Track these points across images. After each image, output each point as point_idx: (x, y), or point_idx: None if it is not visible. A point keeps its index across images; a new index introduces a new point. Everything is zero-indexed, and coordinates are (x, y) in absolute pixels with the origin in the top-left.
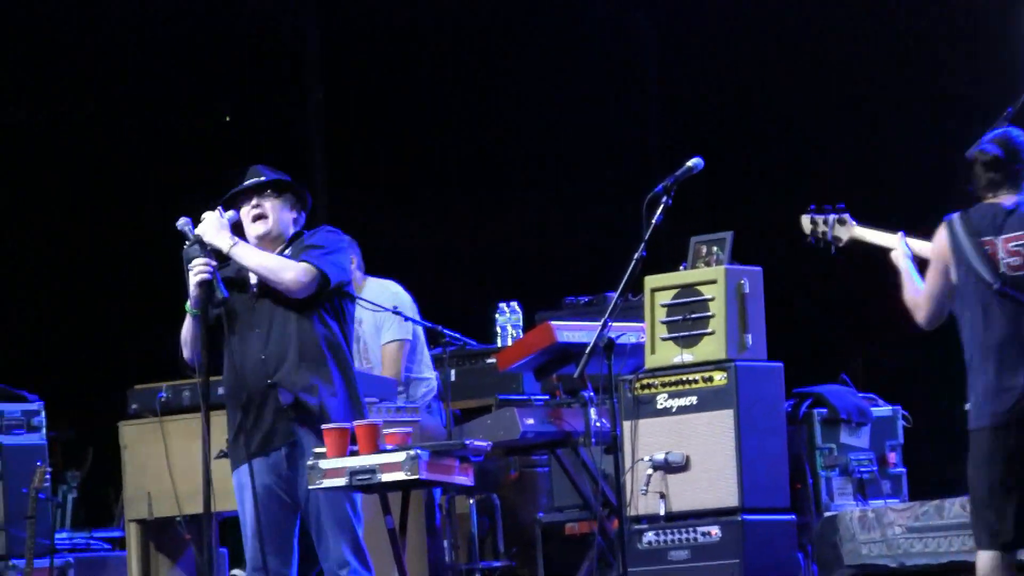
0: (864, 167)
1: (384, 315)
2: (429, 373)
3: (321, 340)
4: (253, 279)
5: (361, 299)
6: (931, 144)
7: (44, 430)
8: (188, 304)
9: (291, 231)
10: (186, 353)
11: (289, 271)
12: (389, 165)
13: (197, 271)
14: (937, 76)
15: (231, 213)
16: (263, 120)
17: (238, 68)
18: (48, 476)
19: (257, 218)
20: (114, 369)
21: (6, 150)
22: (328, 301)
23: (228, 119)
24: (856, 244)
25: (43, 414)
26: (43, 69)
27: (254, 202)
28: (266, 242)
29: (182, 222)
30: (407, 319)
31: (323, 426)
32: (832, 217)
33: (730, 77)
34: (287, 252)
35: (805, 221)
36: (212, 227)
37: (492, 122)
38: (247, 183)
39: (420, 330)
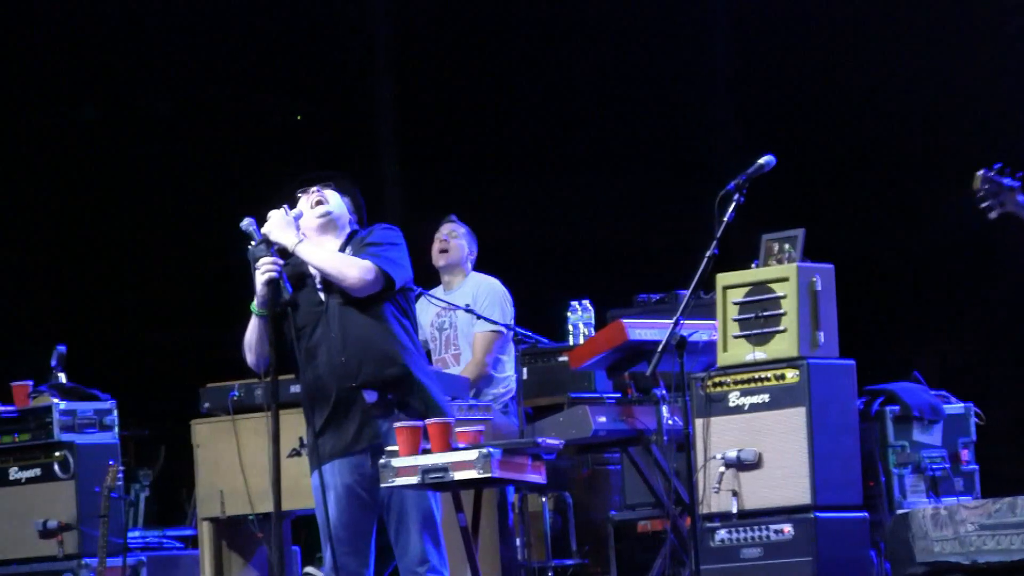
0: (940, 162)
1: (484, 303)
2: (510, 372)
3: (399, 337)
4: (314, 274)
5: (430, 295)
6: (996, 146)
7: (117, 429)
8: (254, 304)
9: (347, 229)
10: (250, 359)
11: (353, 269)
12: (460, 162)
13: (264, 270)
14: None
15: (297, 210)
16: (334, 119)
17: (308, 67)
18: (121, 475)
19: (318, 203)
20: (186, 367)
21: (77, 148)
22: (396, 298)
23: (299, 118)
24: (1012, 218)
25: (115, 413)
26: (114, 67)
27: (313, 190)
28: (327, 226)
29: (246, 223)
30: (480, 317)
31: (395, 424)
32: (1006, 183)
33: (803, 72)
34: (347, 251)
35: (978, 178)
36: (278, 224)
37: (564, 118)
38: (308, 175)
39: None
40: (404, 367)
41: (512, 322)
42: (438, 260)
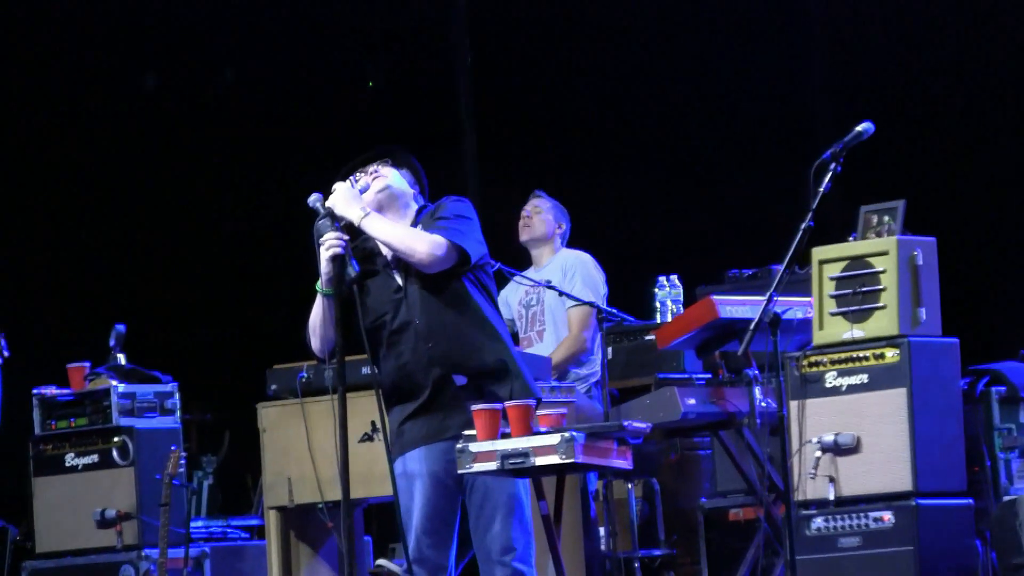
0: None
1: (573, 278)
2: (595, 355)
3: (484, 317)
4: (385, 254)
5: (518, 275)
6: None
7: (179, 413)
8: (319, 283)
9: (412, 205)
10: (314, 343)
11: (423, 243)
12: (542, 133)
13: (328, 245)
14: None
15: (363, 183)
16: (409, 87)
17: (383, 32)
18: (183, 461)
19: (377, 177)
20: (252, 348)
21: (137, 121)
22: (474, 274)
23: (372, 85)
24: None
25: (177, 396)
26: (178, 37)
27: (372, 167)
28: (389, 201)
29: (313, 198)
30: (562, 294)
31: (473, 407)
32: None
33: (901, 35)
34: (418, 228)
35: None
36: (343, 198)
37: (648, 87)
38: (367, 154)
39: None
40: (493, 349)
41: (604, 298)
42: (521, 235)
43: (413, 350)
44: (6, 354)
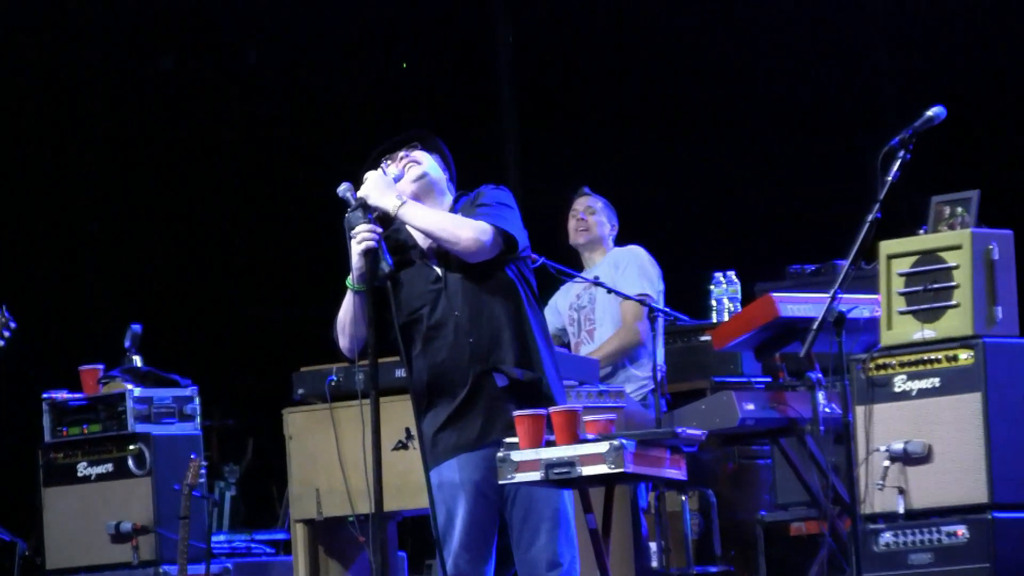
0: None
1: (625, 270)
2: (648, 357)
3: (529, 311)
4: (422, 245)
5: (555, 266)
6: None
7: (199, 419)
8: (350, 279)
9: (447, 194)
10: (343, 342)
11: (467, 230)
12: (588, 119)
13: (361, 238)
14: None
15: (395, 171)
16: (447, 72)
17: (418, 15)
18: (203, 471)
19: (410, 164)
20: (278, 349)
21: (154, 105)
22: (516, 266)
23: (405, 66)
24: None
25: (197, 400)
26: (197, 17)
27: (402, 153)
28: (426, 190)
29: (343, 188)
30: (610, 291)
31: (515, 413)
32: None
33: (970, 18)
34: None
35: None
36: (376, 186)
37: (705, 69)
38: (394, 139)
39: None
40: (534, 345)
41: (661, 294)
42: (577, 238)
43: (452, 345)
44: (12, 325)
